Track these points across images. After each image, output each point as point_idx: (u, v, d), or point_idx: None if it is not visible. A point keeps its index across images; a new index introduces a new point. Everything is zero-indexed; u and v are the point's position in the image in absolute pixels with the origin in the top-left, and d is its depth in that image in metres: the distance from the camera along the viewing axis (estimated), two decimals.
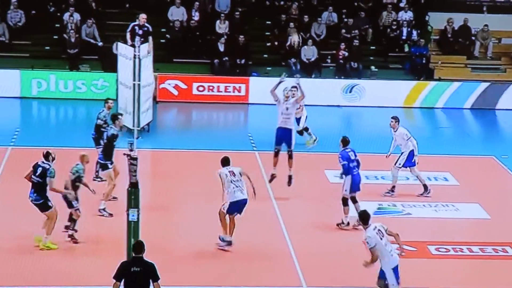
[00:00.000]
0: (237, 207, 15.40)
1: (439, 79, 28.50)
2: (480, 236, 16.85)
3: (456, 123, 26.69)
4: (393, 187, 18.87)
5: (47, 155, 15.33)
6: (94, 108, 21.20)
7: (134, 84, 21.79)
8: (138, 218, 12.95)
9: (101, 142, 18.01)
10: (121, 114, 18.58)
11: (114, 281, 11.68)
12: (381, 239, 12.95)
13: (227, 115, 25.75)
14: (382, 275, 13.04)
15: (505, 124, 27.09)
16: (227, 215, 15.42)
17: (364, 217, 13.16)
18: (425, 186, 18.92)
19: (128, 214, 12.96)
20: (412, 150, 18.59)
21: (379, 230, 13.03)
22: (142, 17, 22.87)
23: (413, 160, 18.64)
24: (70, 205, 15.34)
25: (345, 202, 16.90)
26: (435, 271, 15.36)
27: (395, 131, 18.79)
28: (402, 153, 18.69)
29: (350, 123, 27.23)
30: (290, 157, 18.52)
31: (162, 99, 26.60)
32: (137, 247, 11.81)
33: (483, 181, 20.26)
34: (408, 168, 18.80)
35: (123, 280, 11.64)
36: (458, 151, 22.73)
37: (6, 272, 14.21)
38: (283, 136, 18.52)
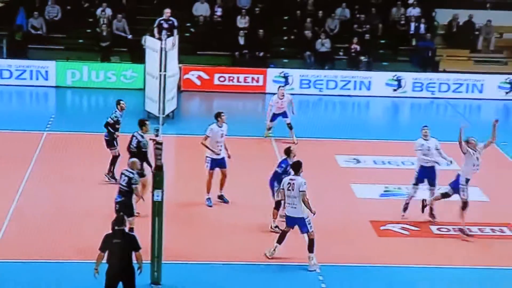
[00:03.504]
0: None
1: (444, 71, 28.37)
2: (479, 217, 16.78)
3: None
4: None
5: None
6: (123, 97, 21.24)
7: (160, 75, 21.92)
8: (162, 199, 13.04)
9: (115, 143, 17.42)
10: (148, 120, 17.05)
11: (100, 252, 11.83)
12: (288, 189, 14.03)
13: (246, 104, 25.73)
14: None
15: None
16: None
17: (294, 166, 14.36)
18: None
19: (153, 195, 13.04)
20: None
21: (293, 183, 14.00)
22: (166, 11, 22.96)
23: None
24: None
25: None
26: (437, 249, 15.40)
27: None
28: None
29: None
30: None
31: (186, 89, 26.64)
32: (118, 221, 11.94)
33: (483, 166, 20.07)
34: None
35: (106, 251, 11.77)
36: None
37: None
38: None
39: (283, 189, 14.25)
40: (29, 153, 19.27)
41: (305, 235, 14.25)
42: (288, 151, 15.53)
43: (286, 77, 27.05)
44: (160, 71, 21.85)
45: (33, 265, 13.93)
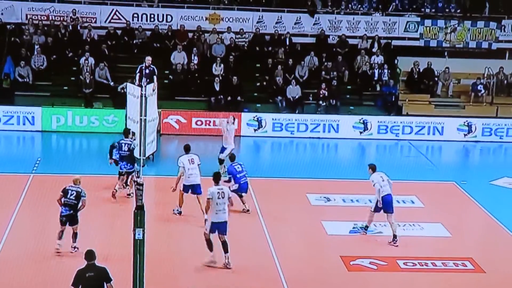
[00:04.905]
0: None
1: (407, 114, 28.65)
2: (443, 252, 16.83)
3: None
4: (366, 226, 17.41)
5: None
6: (106, 140, 21.30)
7: (140, 119, 21.81)
8: (143, 237, 12.90)
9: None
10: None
11: (73, 287, 11.67)
12: (218, 198, 14.88)
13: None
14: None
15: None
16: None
17: (215, 178, 15.30)
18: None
19: (134, 233, 12.90)
20: (382, 197, 16.97)
21: (223, 192, 15.00)
22: (148, 59, 22.92)
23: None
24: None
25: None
26: (404, 283, 15.35)
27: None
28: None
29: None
30: None
31: (165, 132, 26.62)
32: (89, 255, 11.90)
33: (445, 204, 20.29)
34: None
35: (80, 286, 11.64)
36: (423, 177, 22.75)
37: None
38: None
39: (211, 198, 14.97)
40: (16, 194, 19.05)
41: (220, 237, 15.10)
42: (233, 157, 18.65)
43: (259, 121, 27.14)
44: (141, 115, 21.76)
45: None
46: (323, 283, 15.06)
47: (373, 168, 17.44)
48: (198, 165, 18.03)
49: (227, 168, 18.58)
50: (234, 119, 22.39)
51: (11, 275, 14.73)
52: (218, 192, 15.11)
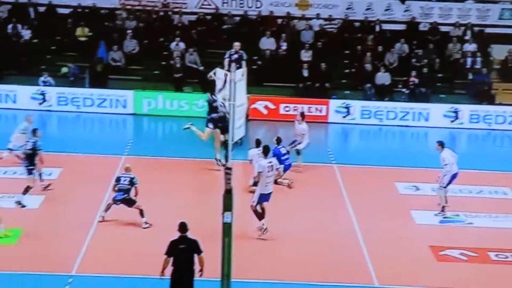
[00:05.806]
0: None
1: (500, 104, 27.79)
2: None
3: None
4: (443, 207, 17.72)
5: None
6: (195, 124, 21.45)
7: (229, 104, 21.88)
8: (231, 220, 12.95)
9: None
10: None
11: (166, 256, 12.19)
12: (268, 171, 15.74)
13: (310, 132, 25.52)
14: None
15: None
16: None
17: (264, 150, 16.60)
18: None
19: (223, 217, 12.96)
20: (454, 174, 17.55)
21: (272, 165, 15.97)
22: (236, 44, 22.96)
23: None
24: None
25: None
26: (495, 275, 14.91)
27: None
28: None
29: None
30: None
31: (254, 117, 26.65)
32: (182, 227, 12.33)
33: None
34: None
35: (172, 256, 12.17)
36: None
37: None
38: None
39: (261, 172, 15.81)
40: (109, 174, 19.35)
41: (265, 204, 15.91)
42: (279, 139, 19.44)
43: (347, 108, 26.87)
44: (229, 100, 21.81)
45: (113, 279, 14.07)
46: (411, 272, 14.82)
47: (442, 144, 17.71)
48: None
49: (272, 150, 18.51)
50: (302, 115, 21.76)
51: (105, 243, 15.40)
52: (268, 166, 15.94)
